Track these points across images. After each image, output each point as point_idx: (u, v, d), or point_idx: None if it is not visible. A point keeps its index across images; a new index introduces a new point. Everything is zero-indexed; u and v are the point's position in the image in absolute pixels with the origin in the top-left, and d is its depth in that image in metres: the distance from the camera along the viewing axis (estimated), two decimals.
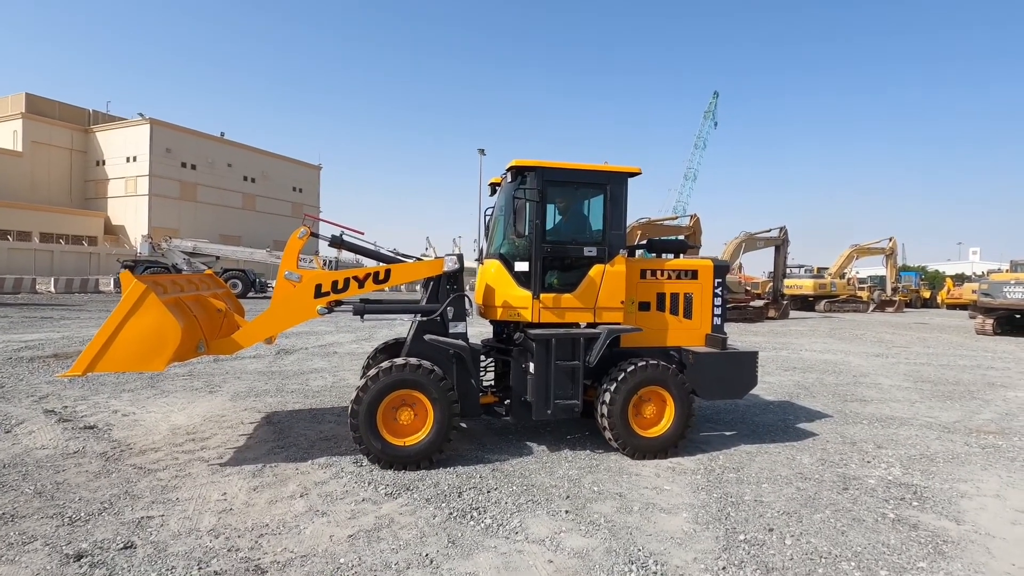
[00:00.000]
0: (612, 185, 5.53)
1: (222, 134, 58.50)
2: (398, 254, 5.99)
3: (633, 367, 5.24)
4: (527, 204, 5.18)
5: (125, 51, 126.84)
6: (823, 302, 31.89)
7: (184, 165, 53.96)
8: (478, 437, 5.80)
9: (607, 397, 5.20)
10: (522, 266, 5.37)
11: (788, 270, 28.63)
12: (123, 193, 52.68)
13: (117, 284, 29.95)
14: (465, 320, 5.39)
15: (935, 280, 55.82)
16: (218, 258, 32.97)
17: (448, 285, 5.36)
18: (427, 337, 5.24)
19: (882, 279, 37.17)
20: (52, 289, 29.70)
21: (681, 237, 25.11)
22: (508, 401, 5.70)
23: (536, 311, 5.32)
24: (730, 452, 5.52)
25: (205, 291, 5.84)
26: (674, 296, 5.88)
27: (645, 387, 5.29)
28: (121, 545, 3.37)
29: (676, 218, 29.92)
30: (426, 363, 4.91)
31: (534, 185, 5.24)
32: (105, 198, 53.56)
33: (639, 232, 22.97)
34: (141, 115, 52.87)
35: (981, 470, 5.22)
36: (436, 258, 5.57)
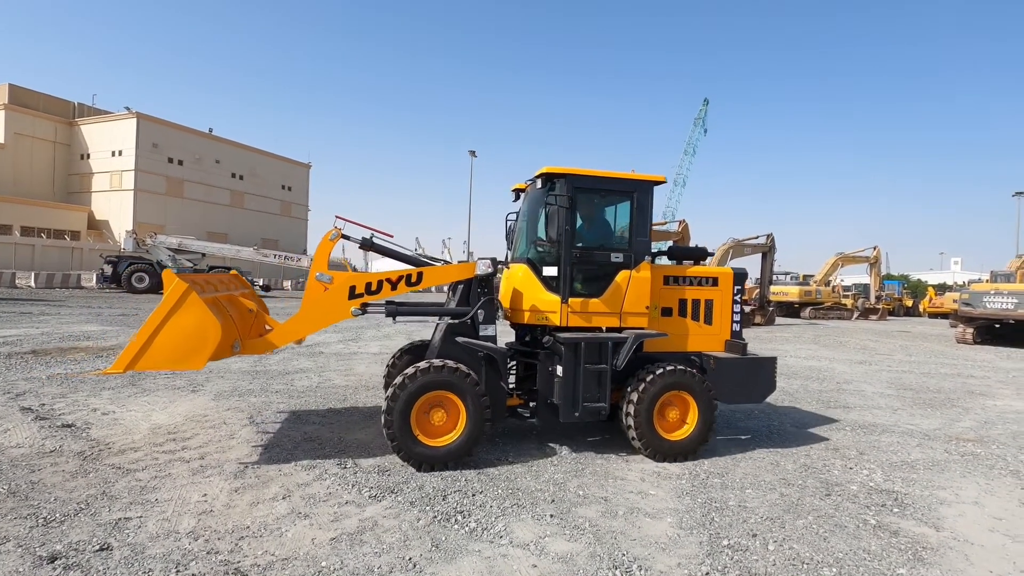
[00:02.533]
0: (639, 193, 5.64)
1: (210, 130, 57.83)
2: (425, 257, 6.05)
3: (660, 371, 5.32)
4: (559, 210, 5.23)
5: (112, 45, 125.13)
6: (808, 309, 32.25)
7: (171, 160, 53.26)
8: None
9: (634, 399, 5.27)
10: (550, 271, 5.45)
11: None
12: (107, 188, 51.88)
13: (100, 280, 29.48)
14: (495, 323, 5.45)
15: (917, 289, 56.73)
16: (204, 255, 32.55)
17: (479, 288, 5.41)
18: (461, 340, 5.30)
19: (866, 287, 37.68)
20: (32, 284, 29.16)
21: (670, 243, 25.42)
22: (533, 404, 5.76)
23: (564, 315, 5.41)
24: (715, 458, 5.54)
25: (235, 291, 5.83)
26: (695, 302, 5.99)
27: (670, 391, 5.38)
28: (97, 547, 3.30)
29: (665, 223, 30.13)
30: (460, 365, 4.94)
31: (564, 192, 5.31)
32: (89, 192, 52.71)
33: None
34: (128, 109, 52.13)
35: (960, 477, 5.30)
36: (467, 262, 5.67)
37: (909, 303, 46.70)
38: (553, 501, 4.28)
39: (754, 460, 5.52)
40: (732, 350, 5.97)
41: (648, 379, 5.28)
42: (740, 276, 6.17)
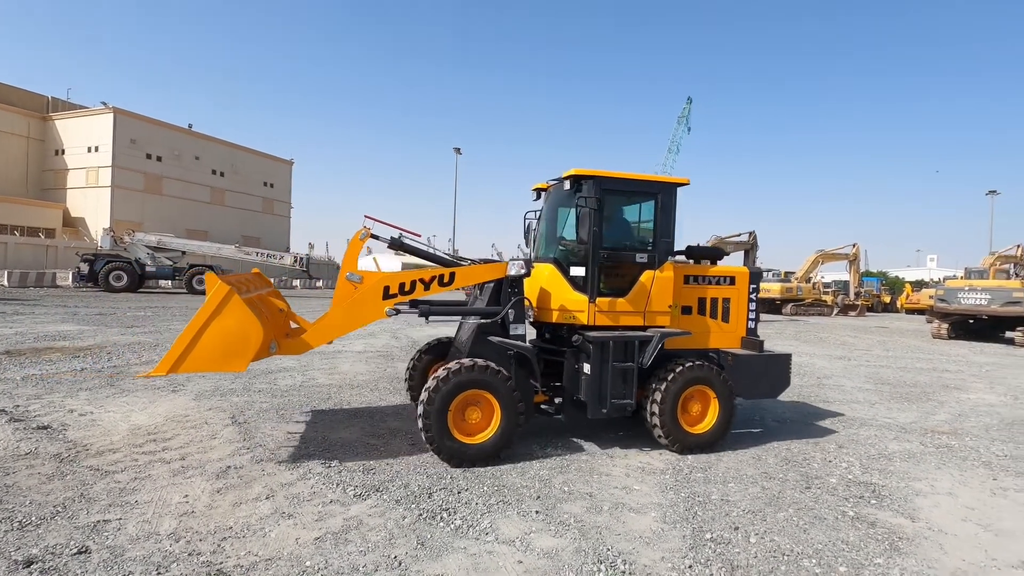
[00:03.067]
0: (663, 194, 5.78)
1: (190, 126, 56.82)
2: (456, 258, 6.11)
3: (683, 367, 5.48)
4: (588, 212, 5.30)
5: (88, 40, 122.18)
6: (790, 306, 32.72)
7: (149, 157, 52.19)
8: None
9: (658, 396, 5.41)
10: (578, 271, 5.56)
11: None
12: (83, 184, 50.69)
13: (76, 278, 28.83)
14: (525, 322, 5.50)
15: (895, 285, 57.83)
16: (184, 253, 32.06)
17: (510, 288, 5.47)
18: (495, 339, 5.37)
19: (846, 284, 38.33)
20: (5, 283, 28.40)
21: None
22: (558, 400, 5.84)
23: (592, 314, 5.53)
24: (697, 452, 5.60)
25: (263, 290, 5.77)
26: (714, 301, 6.18)
27: (692, 386, 5.54)
28: (75, 550, 3.24)
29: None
30: (494, 364, 5.01)
31: (591, 193, 5.39)
32: (64, 189, 51.45)
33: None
34: (104, 104, 51.00)
35: (935, 469, 5.43)
36: (499, 262, 5.78)
37: (887, 299, 47.61)
38: (539, 498, 4.30)
39: (736, 454, 5.60)
40: (749, 347, 6.18)
41: (672, 375, 5.44)
42: (756, 275, 6.43)
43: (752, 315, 6.32)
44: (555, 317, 5.64)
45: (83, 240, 45.88)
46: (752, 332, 6.29)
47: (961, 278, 23.51)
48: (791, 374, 6.24)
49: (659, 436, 5.49)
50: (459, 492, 4.33)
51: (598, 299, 5.54)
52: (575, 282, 5.58)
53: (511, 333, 5.42)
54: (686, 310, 6.06)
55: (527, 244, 6.80)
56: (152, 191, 52.50)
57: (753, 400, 8.14)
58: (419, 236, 5.91)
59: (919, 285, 49.69)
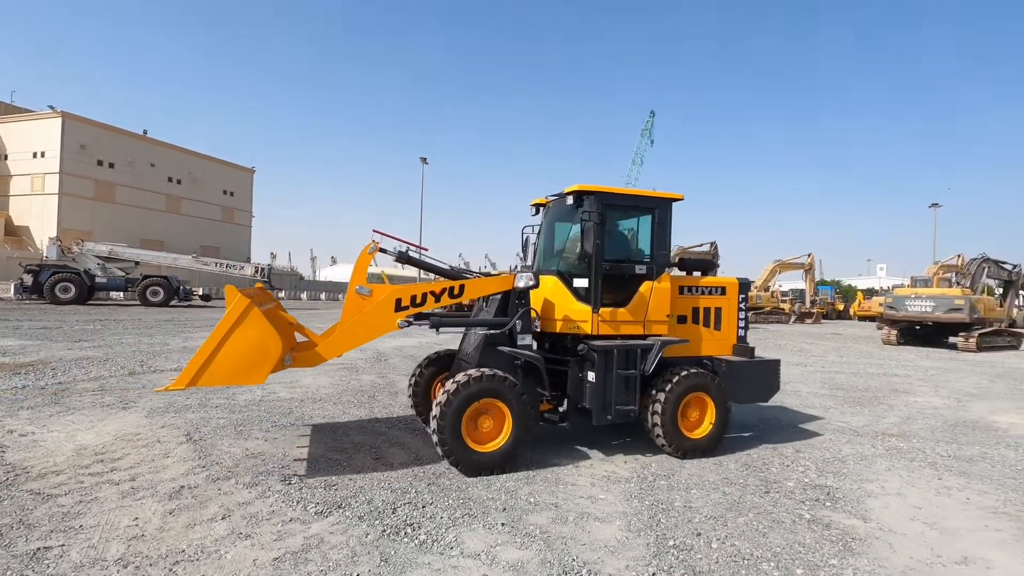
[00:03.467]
0: (659, 209, 6.06)
1: (145, 132, 54.89)
2: (462, 271, 6.21)
3: (683, 374, 5.69)
4: (591, 226, 5.52)
5: (33, 42, 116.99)
6: (750, 314, 33.66)
7: (100, 163, 50.10)
8: (415, 450, 5.69)
9: (659, 403, 5.60)
10: (581, 282, 5.77)
11: None
12: (28, 191, 48.23)
13: (19, 290, 27.32)
14: (531, 332, 5.65)
15: (848, 294, 60.25)
16: (137, 263, 30.84)
17: (517, 300, 5.61)
18: (506, 349, 5.50)
19: (802, 292, 39.77)
20: None
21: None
22: (562, 408, 5.95)
23: (595, 324, 5.72)
24: (662, 459, 5.69)
25: (270, 305, 5.66)
26: (707, 310, 6.42)
27: (691, 393, 5.76)
28: None
29: (701, 244, 32.95)
30: (505, 374, 5.14)
31: (593, 208, 5.58)
32: (7, 196, 48.82)
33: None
34: (52, 108, 48.81)
35: (885, 471, 5.65)
36: (507, 274, 6.00)
37: (841, 307, 49.56)
38: (504, 509, 4.28)
39: (699, 460, 5.70)
40: (740, 354, 6.45)
41: (672, 382, 5.64)
42: (744, 285, 6.69)
43: (742, 323, 6.60)
44: (559, 327, 5.83)
45: (27, 250, 43.57)
46: (742, 339, 6.57)
47: (908, 286, 24.70)
48: (780, 379, 6.52)
49: (659, 441, 5.68)
50: (424, 506, 4.27)
51: (601, 309, 5.72)
52: (578, 293, 5.78)
53: (519, 343, 5.55)
54: (681, 319, 6.30)
55: (525, 257, 7.07)
56: (103, 199, 50.37)
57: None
58: (426, 250, 6.07)
59: (870, 293, 51.88)
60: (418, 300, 5.29)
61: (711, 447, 5.83)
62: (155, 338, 14.73)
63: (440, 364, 6.52)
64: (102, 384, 8.42)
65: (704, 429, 5.83)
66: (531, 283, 5.62)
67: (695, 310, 6.37)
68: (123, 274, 29.66)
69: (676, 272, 6.63)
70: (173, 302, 29.97)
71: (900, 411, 8.74)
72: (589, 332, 5.71)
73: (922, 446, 6.65)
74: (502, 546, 3.68)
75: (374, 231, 5.75)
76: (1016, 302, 25.54)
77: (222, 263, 33.88)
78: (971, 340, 19.04)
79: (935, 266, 24.98)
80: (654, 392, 5.68)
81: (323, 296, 56.57)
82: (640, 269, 5.97)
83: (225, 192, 63.20)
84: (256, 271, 33.64)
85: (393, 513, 4.12)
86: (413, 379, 6.57)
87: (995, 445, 6.81)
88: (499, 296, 5.76)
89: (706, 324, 6.40)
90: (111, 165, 50.94)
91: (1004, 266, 22.46)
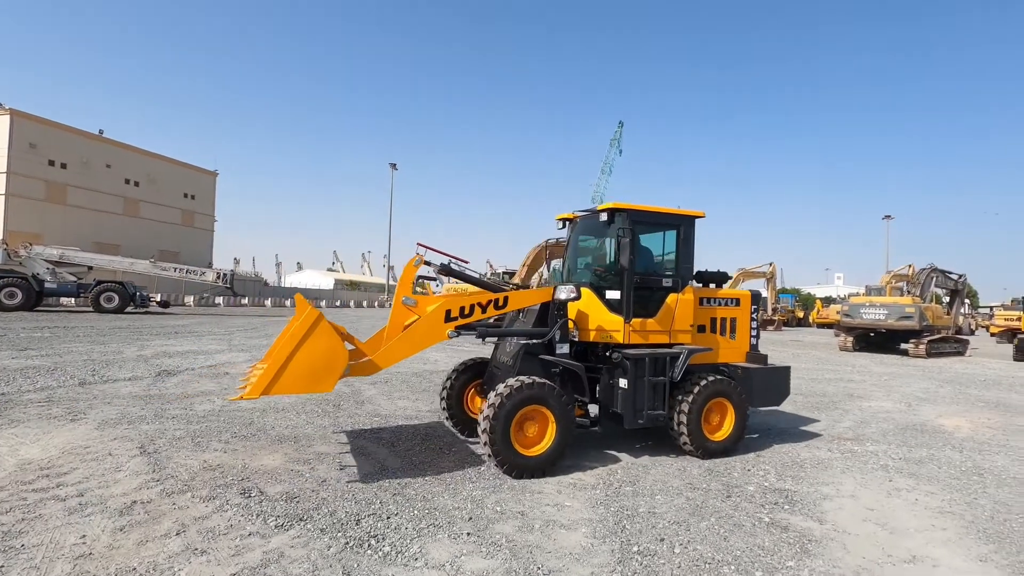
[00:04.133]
0: (684, 225, 6.43)
1: (101, 132, 52.86)
2: (500, 282, 6.67)
3: (707, 381, 6.09)
4: (625, 241, 5.79)
5: None
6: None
7: (52, 163, 47.98)
8: (380, 459, 5.61)
9: (685, 408, 5.95)
10: (613, 294, 6.09)
11: None
12: None
13: None
14: (568, 342, 5.94)
15: (808, 301, 62.30)
16: (90, 268, 29.57)
17: (556, 311, 5.93)
18: (549, 358, 5.84)
19: (764, 300, 40.90)
20: None
21: (763, 281, 29.08)
22: (594, 414, 6.26)
23: (627, 334, 6.03)
24: (627, 466, 5.75)
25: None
26: (723, 320, 6.84)
27: (714, 398, 6.14)
28: None
29: (760, 266, 34.41)
30: (549, 381, 5.42)
31: (625, 224, 5.85)
32: None
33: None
34: (0, 105, 46.58)
35: (841, 474, 5.85)
36: (546, 287, 6.35)
37: (801, 315, 51.20)
38: (470, 519, 4.25)
39: (663, 466, 5.79)
40: (754, 361, 6.88)
41: (697, 388, 6.01)
42: (756, 297, 7.17)
43: (754, 332, 7.04)
44: (593, 336, 6.13)
45: None
46: (754, 347, 6.98)
47: (863, 295, 25.68)
48: (790, 384, 6.97)
49: (685, 444, 6.03)
50: (388, 517, 4.21)
51: (632, 320, 6.02)
52: (610, 304, 6.08)
53: (557, 352, 5.85)
54: (700, 328, 6.68)
55: (547, 269, 7.50)
56: (55, 200, 48.23)
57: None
58: (467, 263, 6.43)
59: (828, 301, 53.77)
60: (466, 311, 5.59)
61: (731, 449, 6.24)
62: (109, 346, 14.13)
63: (472, 372, 6.77)
64: (49, 395, 8.04)
65: (725, 432, 6.23)
66: (572, 295, 5.95)
67: (713, 320, 6.78)
68: (75, 279, 28.39)
69: (695, 284, 6.97)
70: (129, 309, 28.82)
71: (855, 415, 9.07)
72: (621, 341, 6.02)
73: (875, 449, 6.90)
74: (467, 556, 3.66)
75: (418, 244, 6.11)
76: (961, 310, 26.82)
77: (182, 268, 32.82)
78: (921, 346, 19.90)
79: (888, 275, 26.03)
80: (679, 397, 6.03)
81: (288, 303, 55.22)
82: (667, 282, 6.33)
83: (186, 195, 61.37)
84: (218, 277, 32.71)
85: (357, 525, 4.05)
86: (445, 387, 6.73)
87: (942, 447, 7.13)
88: (537, 307, 6.10)
89: (723, 333, 6.82)
90: (63, 165, 48.87)
91: (950, 276, 23.54)
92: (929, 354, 19.95)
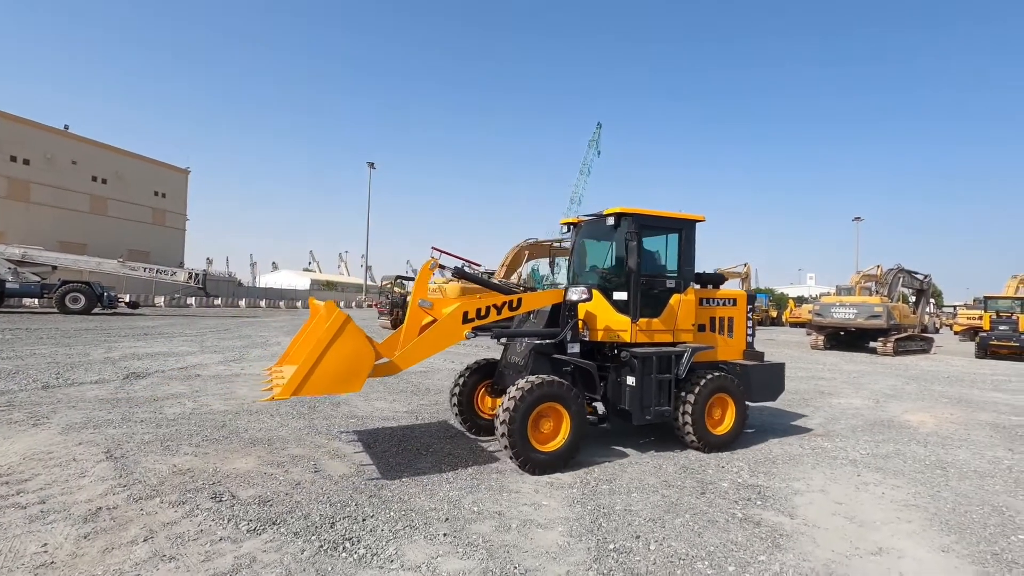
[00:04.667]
0: (686, 229, 6.68)
1: (66, 127, 51.17)
2: (511, 287, 6.76)
3: (709, 377, 6.34)
4: (632, 245, 6.05)
5: None
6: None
7: (14, 159, 46.31)
8: (356, 461, 5.54)
9: (689, 404, 6.19)
10: (620, 295, 6.31)
11: None
12: None
13: None
14: (579, 342, 6.11)
15: (781, 301, 63.50)
16: (55, 268, 28.63)
17: (567, 312, 6.10)
18: (562, 357, 6.02)
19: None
20: None
21: (739, 280, 29.48)
22: (602, 411, 6.38)
23: (634, 333, 6.27)
24: (604, 464, 5.79)
25: None
26: (721, 319, 7.11)
27: (716, 394, 6.40)
28: None
29: (735, 266, 35.09)
30: (563, 380, 5.58)
31: (631, 228, 6.12)
32: None
33: (527, 252, 23.60)
34: None
35: (811, 469, 5.98)
36: (558, 289, 6.52)
37: (774, 314, 52.13)
38: (447, 520, 4.23)
39: (639, 464, 5.85)
40: (750, 358, 7.15)
41: (700, 385, 6.25)
42: (751, 297, 7.48)
43: (750, 331, 7.32)
44: (601, 336, 6.29)
45: None
46: (750, 346, 7.25)
47: (833, 295, 26.30)
48: (785, 380, 7.31)
49: (689, 438, 6.26)
50: (364, 519, 4.16)
51: (639, 320, 6.24)
52: (617, 305, 6.30)
53: (568, 351, 6.03)
54: (701, 327, 6.91)
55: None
56: (17, 198, 46.56)
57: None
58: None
59: (800, 301, 54.92)
60: (483, 313, 5.75)
61: (732, 442, 6.51)
62: (74, 348, 13.70)
63: (482, 372, 6.87)
64: (10, 399, 7.75)
65: (726, 426, 6.49)
66: (584, 296, 6.09)
67: (712, 319, 7.03)
68: (38, 279, 27.46)
69: (695, 286, 7.11)
70: (96, 310, 27.99)
71: (825, 412, 9.28)
72: (628, 340, 6.23)
73: (844, 445, 7.08)
74: (444, 557, 3.64)
75: (432, 248, 6.39)
76: (927, 309, 27.65)
77: (152, 268, 31.98)
78: (888, 345, 20.46)
79: (857, 275, 26.70)
80: (683, 394, 6.26)
81: (263, 303, 54.23)
82: (670, 283, 6.56)
83: (156, 193, 59.82)
84: (190, 277, 31.97)
85: (331, 528, 4.00)
86: (458, 385, 6.80)
87: (907, 442, 7.34)
88: (548, 309, 6.26)
89: (721, 332, 7.08)
90: (26, 161, 47.22)
91: (916, 276, 24.25)
92: (896, 352, 20.53)
